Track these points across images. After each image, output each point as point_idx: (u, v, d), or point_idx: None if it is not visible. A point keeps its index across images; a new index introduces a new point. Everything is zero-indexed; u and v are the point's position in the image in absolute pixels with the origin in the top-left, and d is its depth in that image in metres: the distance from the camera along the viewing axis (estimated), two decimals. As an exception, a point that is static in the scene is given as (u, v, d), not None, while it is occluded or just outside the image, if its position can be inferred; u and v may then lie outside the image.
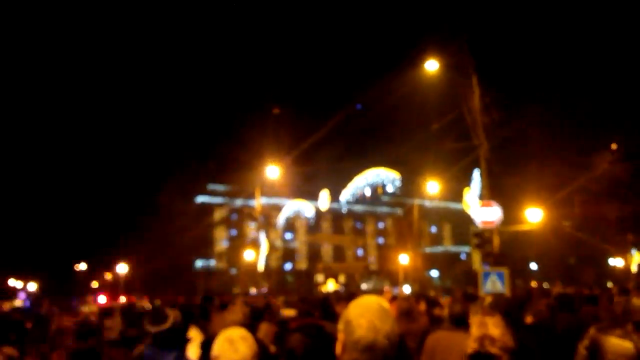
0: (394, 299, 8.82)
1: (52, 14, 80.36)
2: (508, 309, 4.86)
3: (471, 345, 3.47)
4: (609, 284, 30.59)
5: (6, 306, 30.10)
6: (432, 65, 16.81)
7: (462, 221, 45.20)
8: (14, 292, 50.29)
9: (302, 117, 55.25)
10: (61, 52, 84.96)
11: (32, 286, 58.54)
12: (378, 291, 39.23)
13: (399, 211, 63.42)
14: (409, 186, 59.60)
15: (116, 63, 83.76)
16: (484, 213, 13.29)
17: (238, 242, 53.11)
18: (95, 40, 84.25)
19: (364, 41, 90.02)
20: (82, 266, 58.35)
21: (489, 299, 6.47)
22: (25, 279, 58.55)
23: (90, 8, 72.98)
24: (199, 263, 55.29)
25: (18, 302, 31.87)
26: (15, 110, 76.94)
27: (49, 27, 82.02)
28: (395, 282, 45.07)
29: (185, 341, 4.15)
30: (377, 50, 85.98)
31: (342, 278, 61.72)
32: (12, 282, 57.88)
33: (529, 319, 5.73)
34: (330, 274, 59.05)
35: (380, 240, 67.45)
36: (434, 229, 69.22)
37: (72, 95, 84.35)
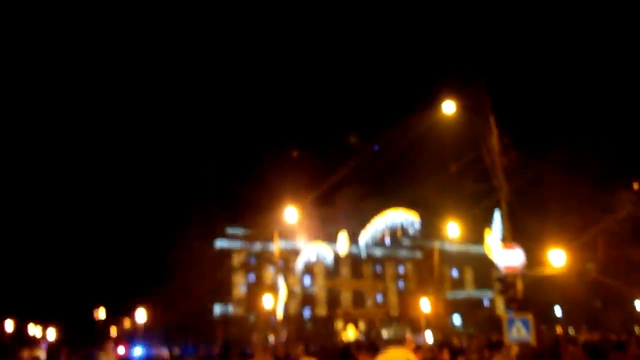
0: (417, 348, 8.57)
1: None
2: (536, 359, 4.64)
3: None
4: (636, 329, 29.71)
5: (26, 354, 30.00)
6: (449, 107, 16.83)
7: (484, 264, 44.46)
8: (33, 340, 50.22)
9: (320, 159, 55.45)
10: (84, 99, 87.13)
11: (51, 333, 58.40)
12: (399, 338, 38.42)
13: (418, 254, 62.64)
14: (429, 228, 59.00)
15: (135, 107, 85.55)
16: (507, 257, 13.02)
17: (256, 288, 52.67)
18: (114, 84, 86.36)
19: (382, 83, 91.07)
20: (101, 313, 58.24)
21: (515, 348, 6.25)
22: (45, 325, 58.53)
23: (106, 58, 75.05)
24: (217, 309, 54.80)
25: (40, 353, 31.82)
26: (39, 158, 78.51)
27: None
28: (416, 329, 44.13)
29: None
30: (395, 92, 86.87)
31: (362, 324, 60.68)
32: (32, 329, 57.82)
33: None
34: (350, 320, 58.10)
35: (401, 284, 66.45)
36: (455, 273, 68.12)
37: (93, 139, 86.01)
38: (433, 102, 17.98)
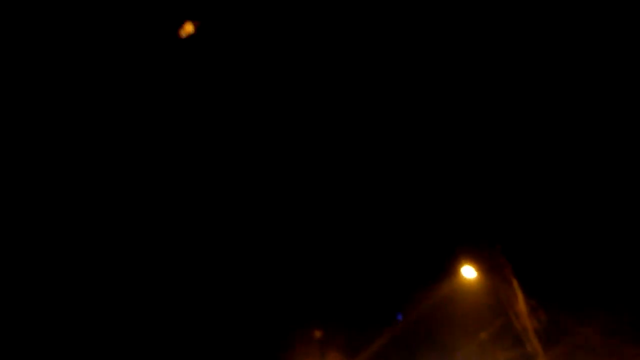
0: None
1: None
2: None
3: None
4: None
5: None
6: (469, 272, 16.52)
7: None
8: None
9: (346, 336, 53.47)
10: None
11: None
12: None
13: None
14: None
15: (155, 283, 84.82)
16: None
17: None
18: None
19: (396, 256, 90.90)
20: None
21: None
22: None
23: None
24: None
25: None
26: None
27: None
28: None
29: None
30: (411, 264, 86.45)
31: None
32: None
33: None
34: None
35: None
36: None
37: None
38: (452, 269, 17.77)
